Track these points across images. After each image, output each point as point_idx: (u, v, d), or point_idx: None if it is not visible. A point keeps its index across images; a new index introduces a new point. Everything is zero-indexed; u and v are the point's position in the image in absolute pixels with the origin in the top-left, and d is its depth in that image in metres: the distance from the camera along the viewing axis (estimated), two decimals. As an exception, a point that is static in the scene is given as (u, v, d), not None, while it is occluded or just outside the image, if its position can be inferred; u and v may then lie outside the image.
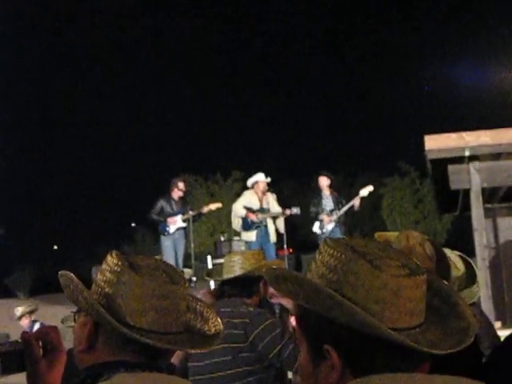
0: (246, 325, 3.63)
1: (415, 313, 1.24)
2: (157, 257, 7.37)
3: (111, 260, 1.68)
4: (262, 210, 12.18)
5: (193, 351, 1.51)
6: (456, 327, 1.29)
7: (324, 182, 12.57)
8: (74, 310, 1.79)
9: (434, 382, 1.20)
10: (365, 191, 12.43)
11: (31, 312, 10.38)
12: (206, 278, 4.24)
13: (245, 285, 3.84)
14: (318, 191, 12.77)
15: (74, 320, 1.77)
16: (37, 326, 10.26)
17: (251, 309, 3.73)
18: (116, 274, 1.64)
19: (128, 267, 1.65)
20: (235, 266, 3.87)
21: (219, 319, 1.80)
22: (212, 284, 10.46)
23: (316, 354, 1.28)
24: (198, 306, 1.80)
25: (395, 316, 1.22)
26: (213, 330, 1.77)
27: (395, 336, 1.19)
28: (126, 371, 1.55)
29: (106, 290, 1.64)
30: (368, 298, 1.22)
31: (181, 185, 13.05)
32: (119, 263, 1.66)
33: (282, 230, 12.38)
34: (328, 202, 12.44)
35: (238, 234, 12.97)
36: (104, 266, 1.69)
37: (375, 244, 1.32)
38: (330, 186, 12.55)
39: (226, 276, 3.89)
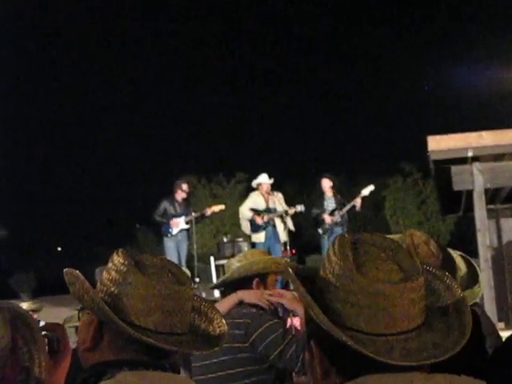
0: (248, 325, 3.62)
1: (399, 319, 1.23)
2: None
3: (117, 259, 1.68)
4: (268, 210, 12.25)
5: (197, 353, 1.51)
6: (451, 338, 1.28)
7: (326, 183, 12.61)
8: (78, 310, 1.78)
9: (435, 381, 1.21)
10: (366, 190, 12.49)
11: (36, 310, 10.35)
12: (211, 288, 4.17)
13: (237, 284, 3.81)
14: (320, 193, 12.81)
15: (79, 318, 1.77)
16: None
17: (253, 310, 3.73)
18: (122, 274, 1.64)
19: (134, 267, 1.64)
20: (229, 271, 3.85)
21: (223, 320, 1.80)
22: (217, 292, 10.47)
23: (310, 348, 1.32)
24: (202, 307, 1.79)
25: (373, 321, 1.23)
26: (217, 330, 1.77)
27: (347, 340, 1.19)
28: (130, 370, 1.55)
29: (112, 289, 1.64)
30: (345, 301, 1.24)
31: (184, 186, 13.07)
32: (125, 262, 1.65)
33: (291, 227, 12.44)
34: (330, 203, 12.47)
35: (245, 234, 13.02)
36: (110, 264, 1.69)
37: (388, 244, 1.32)
38: (333, 188, 12.58)
39: (222, 278, 3.88)
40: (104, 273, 1.69)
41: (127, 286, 1.62)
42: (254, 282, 3.78)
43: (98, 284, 1.69)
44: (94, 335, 1.66)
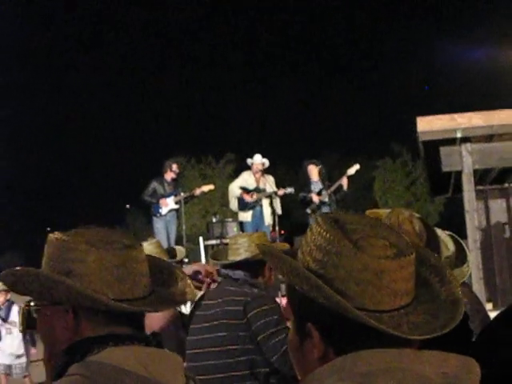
0: (247, 303, 3.64)
1: (399, 294, 1.23)
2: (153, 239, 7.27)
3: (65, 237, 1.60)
4: (257, 191, 12.33)
5: (159, 311, 1.46)
6: (445, 308, 1.28)
7: (313, 169, 12.70)
8: None
9: (422, 357, 1.20)
10: (352, 170, 12.58)
11: (8, 290, 10.11)
12: (213, 261, 4.12)
13: (250, 267, 3.83)
14: (306, 178, 12.88)
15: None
16: (15, 308, 10.08)
17: (255, 290, 3.74)
18: (74, 252, 1.56)
19: (85, 243, 1.57)
20: (240, 249, 3.85)
21: (183, 275, 1.74)
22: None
23: (301, 331, 1.29)
24: (155, 267, 1.71)
25: (377, 298, 1.22)
26: (179, 285, 1.71)
27: (367, 320, 1.18)
28: (116, 345, 1.52)
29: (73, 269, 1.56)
30: (349, 279, 1.21)
31: (174, 167, 13.06)
32: (76, 239, 1.59)
33: (279, 210, 12.51)
34: (317, 187, 12.55)
35: (234, 214, 13.08)
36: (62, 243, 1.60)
37: (367, 220, 1.31)
38: (319, 174, 12.66)
39: (232, 259, 3.86)
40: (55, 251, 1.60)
41: (81, 263, 1.55)
42: (267, 266, 3.83)
43: (49, 265, 1.60)
44: (72, 325, 1.59)
